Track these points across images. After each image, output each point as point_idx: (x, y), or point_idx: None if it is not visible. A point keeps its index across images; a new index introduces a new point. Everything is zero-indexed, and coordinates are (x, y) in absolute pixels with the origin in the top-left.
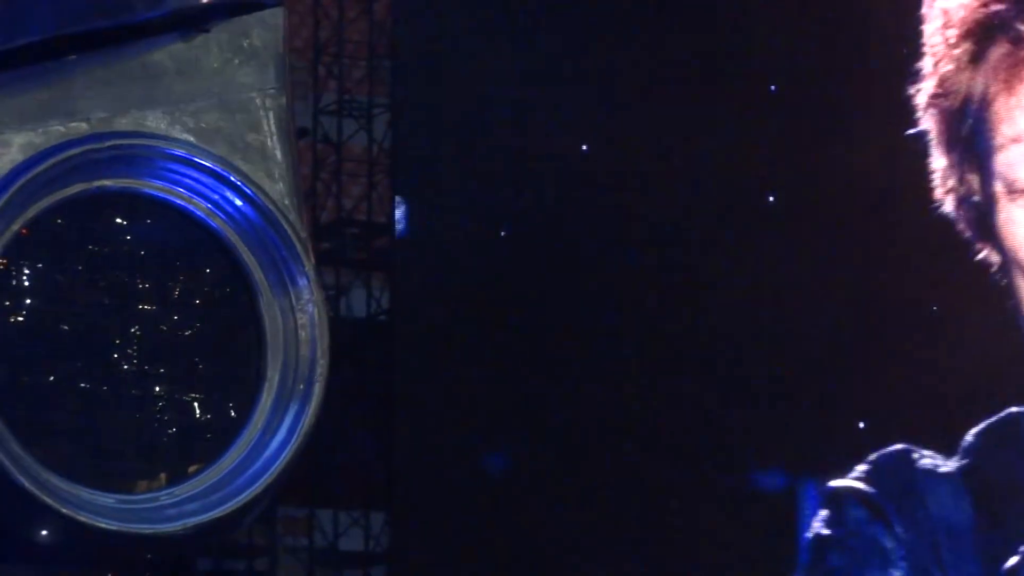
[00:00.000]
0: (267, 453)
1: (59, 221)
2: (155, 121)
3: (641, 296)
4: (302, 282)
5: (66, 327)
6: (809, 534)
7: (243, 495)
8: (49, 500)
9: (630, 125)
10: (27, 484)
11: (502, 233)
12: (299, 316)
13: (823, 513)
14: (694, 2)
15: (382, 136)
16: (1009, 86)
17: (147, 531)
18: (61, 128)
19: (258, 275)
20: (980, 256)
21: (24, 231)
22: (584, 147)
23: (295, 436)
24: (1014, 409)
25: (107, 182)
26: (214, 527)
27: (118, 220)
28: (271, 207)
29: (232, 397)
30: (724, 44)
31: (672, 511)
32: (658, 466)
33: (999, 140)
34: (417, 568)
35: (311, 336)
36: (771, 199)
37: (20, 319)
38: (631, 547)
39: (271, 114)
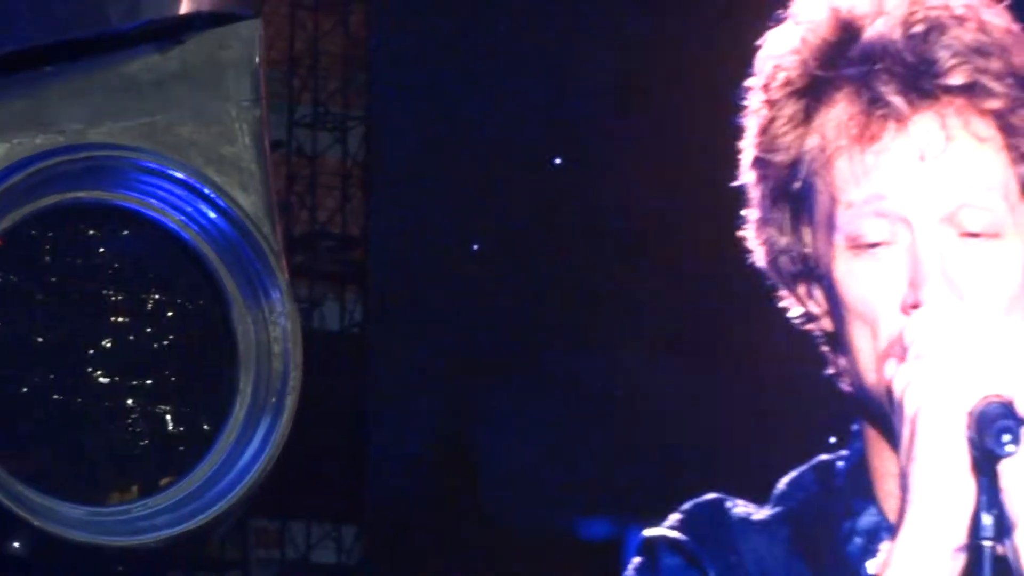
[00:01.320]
0: (239, 465)
1: (33, 232)
2: (129, 132)
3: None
4: (275, 294)
5: (39, 339)
6: None
7: (215, 507)
8: (21, 512)
9: (604, 139)
10: (2, 496)
11: (474, 247)
12: (272, 329)
13: (636, 560)
14: (665, 16)
15: (356, 149)
16: (855, 146)
17: (119, 543)
18: (36, 139)
19: (231, 287)
20: (785, 304)
21: None
22: (557, 160)
23: (267, 448)
24: (823, 457)
25: (81, 194)
26: (186, 539)
27: (91, 232)
28: (244, 220)
29: (205, 409)
30: (698, 58)
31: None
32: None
33: (844, 198)
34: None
35: (284, 349)
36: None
37: None
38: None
39: (246, 126)
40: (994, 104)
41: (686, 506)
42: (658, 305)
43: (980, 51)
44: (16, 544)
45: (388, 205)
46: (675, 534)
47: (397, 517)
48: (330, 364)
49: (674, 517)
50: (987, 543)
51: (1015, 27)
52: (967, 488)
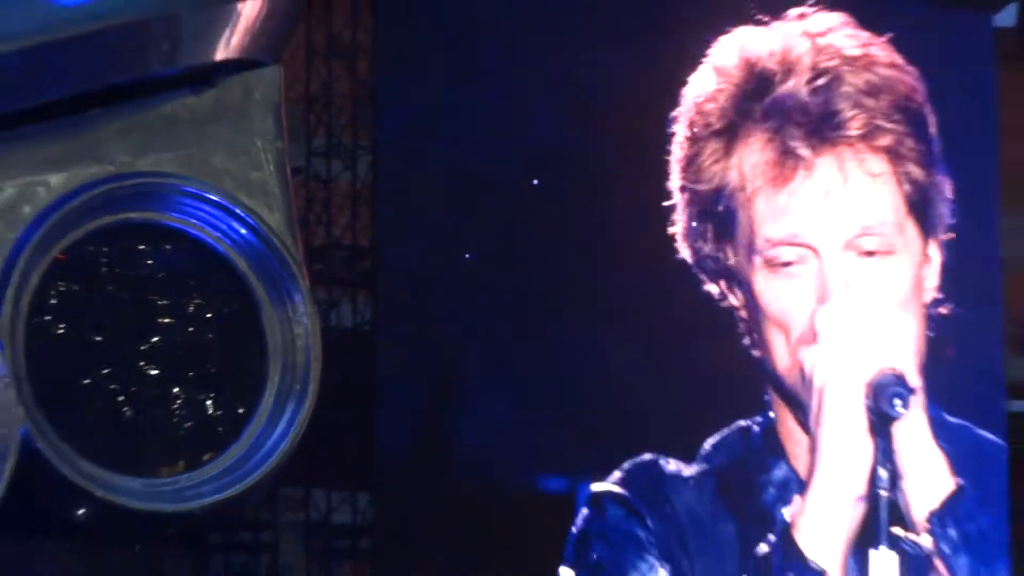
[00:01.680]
0: (269, 443)
1: (91, 248)
2: (171, 163)
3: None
4: (298, 298)
5: (98, 338)
6: (574, 530)
7: (250, 478)
8: (86, 484)
9: (572, 160)
10: (67, 471)
11: (467, 256)
12: (295, 327)
13: (585, 511)
14: (651, 34)
15: (364, 174)
16: (771, 189)
17: (169, 510)
18: (91, 169)
19: (260, 292)
20: (710, 289)
21: (61, 256)
22: (535, 181)
23: (293, 428)
24: (742, 422)
25: (131, 214)
26: (226, 505)
27: (141, 247)
28: (270, 234)
29: (239, 396)
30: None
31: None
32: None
33: (763, 231)
34: (396, 537)
35: (305, 344)
36: None
37: (59, 332)
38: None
39: (270, 156)
40: (885, 142)
41: (626, 465)
42: (610, 296)
43: (871, 93)
44: (81, 511)
45: (392, 221)
46: (618, 489)
47: (400, 484)
48: (345, 357)
49: (617, 474)
50: (883, 492)
51: (897, 59)
52: (866, 447)
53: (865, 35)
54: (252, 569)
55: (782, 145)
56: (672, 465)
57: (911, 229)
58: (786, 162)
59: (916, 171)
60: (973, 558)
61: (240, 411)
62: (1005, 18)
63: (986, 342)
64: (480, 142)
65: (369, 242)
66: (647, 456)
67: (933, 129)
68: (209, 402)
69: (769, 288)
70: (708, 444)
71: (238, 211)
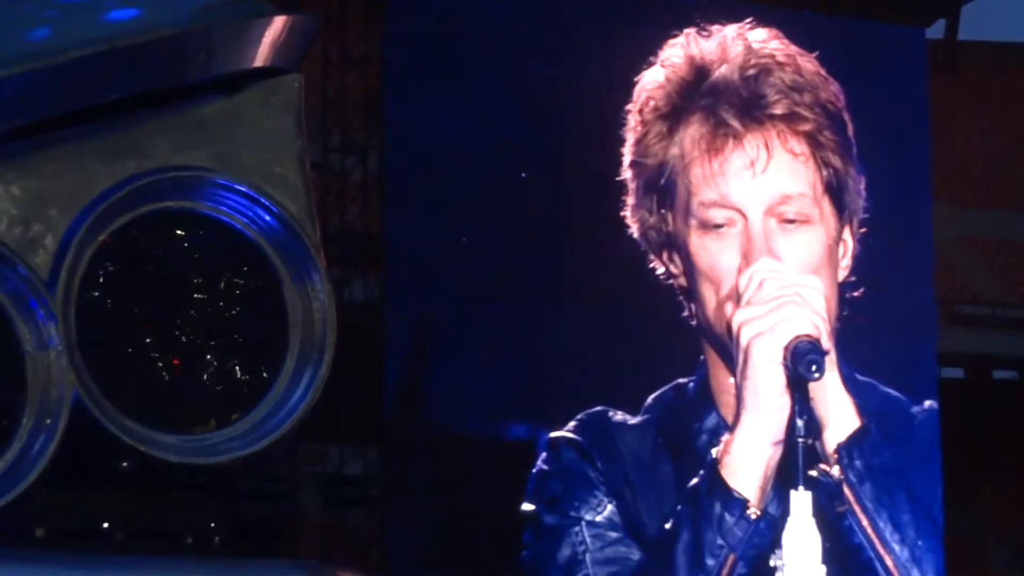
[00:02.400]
0: (290, 404)
1: (134, 232)
2: (205, 158)
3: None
4: (316, 277)
5: (140, 312)
6: (534, 470)
7: (273, 435)
8: (129, 440)
9: (543, 153)
10: (113, 428)
11: (463, 239)
12: (314, 302)
13: (544, 455)
14: (611, 45)
15: (374, 168)
16: (707, 158)
17: (203, 462)
18: (135, 164)
19: (282, 272)
20: (654, 266)
21: (107, 241)
22: (523, 174)
23: (311, 391)
24: (679, 380)
25: (170, 203)
26: (253, 459)
27: (178, 232)
28: (292, 221)
29: (264, 363)
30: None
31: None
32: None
33: (698, 194)
34: (402, 486)
35: (323, 317)
36: None
37: (107, 308)
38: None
39: (292, 152)
40: (805, 127)
41: (580, 415)
42: (568, 272)
43: (796, 88)
44: (126, 465)
45: (398, 209)
46: (572, 435)
47: (405, 439)
48: (358, 329)
49: (571, 423)
50: (800, 439)
51: (822, 71)
52: (784, 400)
53: (795, 48)
54: (275, 514)
55: (716, 120)
56: (619, 416)
57: (828, 208)
58: (719, 134)
59: (834, 159)
60: (877, 487)
61: (264, 376)
62: (935, 31)
63: (919, 316)
64: (474, 141)
65: (378, 228)
66: (598, 408)
67: (851, 133)
68: (237, 368)
69: (702, 247)
70: (650, 398)
71: (264, 200)
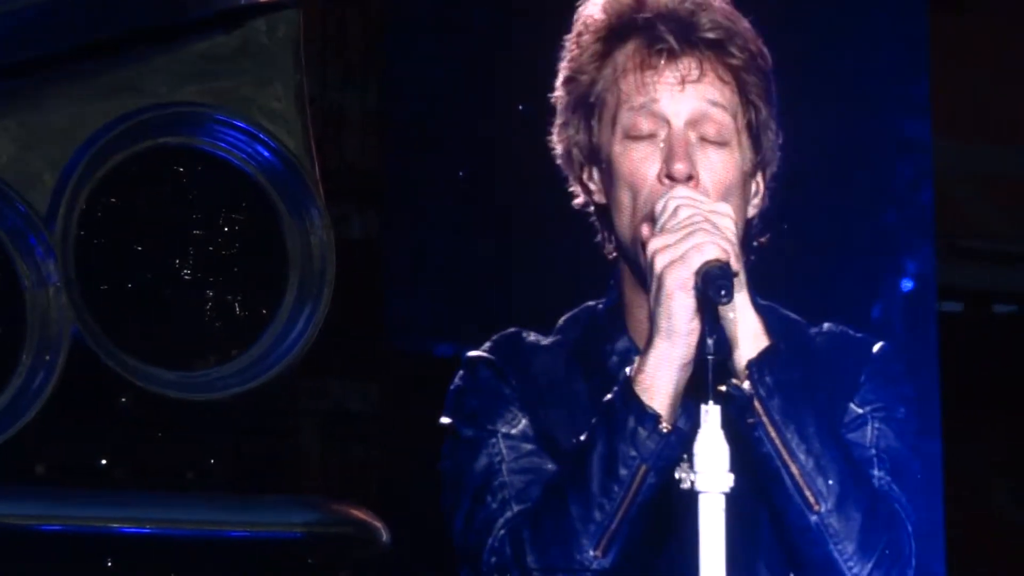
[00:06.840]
0: (289, 339)
1: (134, 168)
2: (203, 94)
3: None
4: (314, 212)
5: (139, 248)
6: (451, 387)
7: (272, 370)
8: (128, 375)
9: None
10: (112, 364)
11: (460, 173)
12: (312, 238)
13: (461, 373)
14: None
15: (373, 104)
16: (640, 70)
17: (202, 398)
18: (132, 100)
19: (281, 207)
20: (573, 192)
21: (106, 177)
22: (520, 107)
23: (310, 326)
24: (590, 303)
25: (168, 139)
26: (252, 394)
27: (177, 168)
28: (291, 157)
29: (263, 298)
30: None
31: None
32: None
33: (627, 102)
34: (400, 421)
35: (321, 252)
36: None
37: (105, 244)
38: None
39: (291, 88)
40: (733, 62)
41: (495, 337)
42: (505, 210)
43: (729, 27)
44: (124, 400)
45: (397, 147)
46: (487, 355)
47: (404, 376)
48: (356, 263)
49: (487, 344)
50: (710, 357)
51: (748, 22)
52: (695, 325)
53: (735, 11)
54: (275, 452)
55: (653, 37)
56: (532, 337)
57: (746, 141)
58: (655, 50)
59: (757, 102)
60: (784, 401)
61: (263, 311)
62: None
63: (918, 249)
64: (472, 73)
65: (377, 165)
66: (511, 329)
67: (775, 93)
68: (236, 304)
69: (624, 155)
70: (562, 320)
71: (263, 136)
